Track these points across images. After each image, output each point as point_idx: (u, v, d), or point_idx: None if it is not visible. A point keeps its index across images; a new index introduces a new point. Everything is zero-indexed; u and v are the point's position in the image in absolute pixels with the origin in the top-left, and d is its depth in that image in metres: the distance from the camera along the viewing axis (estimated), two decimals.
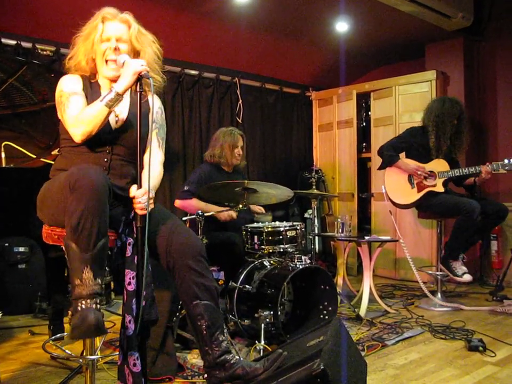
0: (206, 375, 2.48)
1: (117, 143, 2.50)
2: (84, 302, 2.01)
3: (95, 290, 2.04)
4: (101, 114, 2.27)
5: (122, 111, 2.54)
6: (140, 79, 2.23)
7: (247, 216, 4.46)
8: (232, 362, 2.40)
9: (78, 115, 2.32)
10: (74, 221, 2.03)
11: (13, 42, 4.57)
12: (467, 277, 4.45)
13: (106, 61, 2.49)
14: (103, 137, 2.44)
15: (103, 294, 2.15)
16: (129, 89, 2.37)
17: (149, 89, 2.40)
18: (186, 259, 2.38)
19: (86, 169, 2.11)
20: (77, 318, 1.99)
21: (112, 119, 2.47)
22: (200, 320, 2.39)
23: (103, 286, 2.15)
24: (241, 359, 2.52)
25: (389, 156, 4.74)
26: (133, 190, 2.23)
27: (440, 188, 4.58)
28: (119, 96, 2.26)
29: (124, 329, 2.21)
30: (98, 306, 2.04)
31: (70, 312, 2.09)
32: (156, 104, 2.62)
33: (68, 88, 2.46)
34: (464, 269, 4.46)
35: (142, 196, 2.20)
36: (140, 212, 2.20)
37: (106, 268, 4.43)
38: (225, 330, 2.52)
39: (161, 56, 2.65)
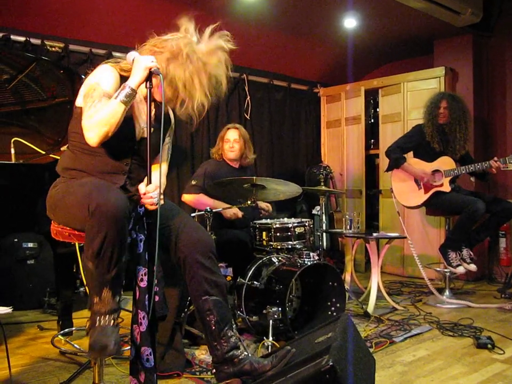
0: (214, 370, 2.49)
1: (138, 151, 2.48)
2: (102, 318, 2.12)
3: (113, 307, 2.14)
4: (117, 112, 2.19)
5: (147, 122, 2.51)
6: (149, 75, 2.23)
7: (254, 213, 4.46)
8: (240, 357, 2.41)
9: (92, 115, 2.20)
10: (96, 247, 2.07)
11: (22, 38, 4.57)
12: (460, 269, 4.54)
13: None
14: (126, 145, 2.43)
15: (119, 309, 2.24)
16: (153, 104, 2.31)
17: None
18: (197, 255, 2.39)
19: (106, 192, 2.11)
20: (95, 336, 2.10)
21: (137, 130, 2.45)
22: (209, 315, 2.40)
23: (120, 301, 2.23)
24: (250, 355, 2.53)
25: (395, 159, 4.74)
26: (143, 187, 2.24)
27: (447, 188, 4.57)
28: (133, 92, 2.22)
29: (137, 325, 2.22)
30: (115, 322, 2.15)
31: (87, 324, 2.19)
32: (173, 121, 2.66)
33: (105, 86, 2.31)
34: (459, 262, 4.53)
35: (153, 191, 2.21)
36: (150, 207, 2.22)
37: None
38: (234, 326, 2.53)
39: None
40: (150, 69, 2.21)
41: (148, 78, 2.23)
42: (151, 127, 2.24)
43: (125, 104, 2.21)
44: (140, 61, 2.23)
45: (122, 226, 2.10)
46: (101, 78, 2.34)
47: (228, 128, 4.47)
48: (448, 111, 4.61)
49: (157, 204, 2.21)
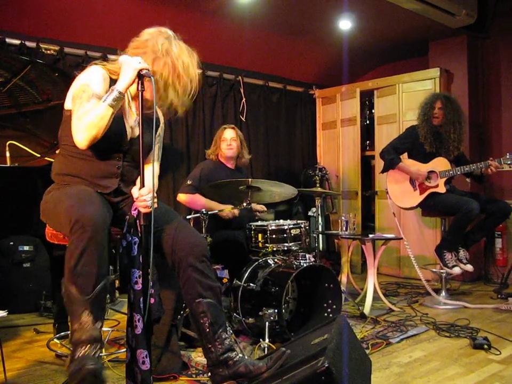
0: (209, 374, 2.48)
1: (128, 151, 2.50)
2: (82, 348, 2.00)
3: (94, 335, 2.04)
4: (105, 116, 2.21)
5: (135, 123, 2.51)
6: (140, 77, 2.22)
7: (250, 214, 4.46)
8: (235, 360, 2.41)
9: (81, 117, 2.22)
10: (73, 263, 2.04)
11: (17, 41, 4.57)
12: (456, 270, 4.54)
13: None
14: (117, 147, 2.44)
15: (102, 341, 2.15)
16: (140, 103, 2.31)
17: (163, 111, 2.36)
18: (191, 258, 2.39)
19: (85, 206, 2.11)
20: (74, 366, 1.98)
21: (128, 130, 2.46)
22: (203, 318, 2.40)
23: (102, 330, 2.14)
24: (246, 357, 2.53)
25: (390, 159, 4.75)
26: (136, 191, 2.24)
27: (442, 188, 4.58)
28: (121, 95, 2.23)
29: (132, 328, 2.22)
30: (97, 353, 2.04)
31: (68, 359, 2.07)
32: (161, 119, 2.64)
33: (95, 87, 2.32)
34: (455, 263, 4.53)
35: (146, 194, 2.21)
36: (143, 210, 2.21)
37: (111, 267, 4.45)
38: (228, 329, 2.52)
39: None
40: (139, 70, 2.21)
41: (139, 81, 2.22)
42: (143, 131, 2.23)
43: (113, 108, 2.22)
44: (128, 63, 2.23)
45: (100, 239, 2.09)
46: (90, 79, 2.35)
47: (225, 128, 4.51)
48: (442, 111, 4.62)
49: (150, 207, 2.21)
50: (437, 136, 4.64)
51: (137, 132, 2.48)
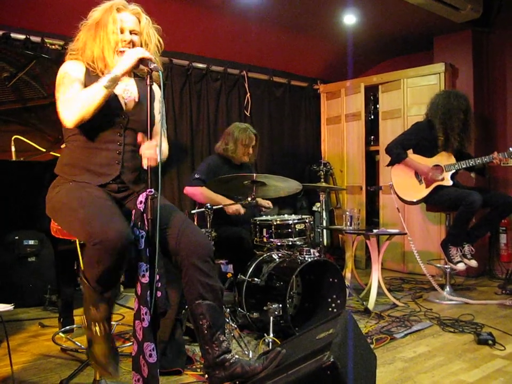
0: (206, 376, 2.47)
1: (128, 129, 2.48)
2: (97, 325, 2.21)
3: (107, 315, 2.24)
4: (97, 95, 2.23)
5: (132, 91, 2.52)
6: (150, 72, 2.22)
7: (255, 210, 4.46)
8: (231, 361, 2.38)
9: (73, 97, 2.27)
10: (95, 275, 2.15)
11: (22, 36, 4.57)
12: (460, 266, 4.52)
13: (120, 52, 2.41)
14: (116, 120, 2.43)
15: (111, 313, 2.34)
16: (134, 76, 2.35)
17: (156, 78, 2.36)
18: (194, 259, 2.37)
19: (108, 223, 2.12)
20: (99, 357, 2.20)
21: (121, 101, 2.47)
22: (202, 319, 2.38)
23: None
24: (250, 353, 2.54)
25: (397, 154, 4.73)
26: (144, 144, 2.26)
27: (448, 182, 4.57)
28: (116, 76, 2.25)
29: (140, 321, 2.23)
30: (109, 328, 2.24)
31: (83, 321, 2.27)
32: (158, 94, 2.60)
33: (75, 74, 2.38)
34: (459, 259, 4.52)
35: (153, 144, 2.24)
36: (150, 162, 2.23)
37: None
38: (227, 331, 2.53)
39: (161, 48, 2.59)
40: (141, 57, 2.24)
41: (148, 74, 2.21)
42: (151, 115, 2.24)
43: (107, 88, 2.25)
44: (130, 51, 2.29)
45: (122, 259, 2.13)
46: (69, 69, 2.41)
47: (253, 134, 4.46)
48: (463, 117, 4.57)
49: (156, 159, 2.23)
50: (459, 134, 4.61)
51: (131, 104, 2.51)
